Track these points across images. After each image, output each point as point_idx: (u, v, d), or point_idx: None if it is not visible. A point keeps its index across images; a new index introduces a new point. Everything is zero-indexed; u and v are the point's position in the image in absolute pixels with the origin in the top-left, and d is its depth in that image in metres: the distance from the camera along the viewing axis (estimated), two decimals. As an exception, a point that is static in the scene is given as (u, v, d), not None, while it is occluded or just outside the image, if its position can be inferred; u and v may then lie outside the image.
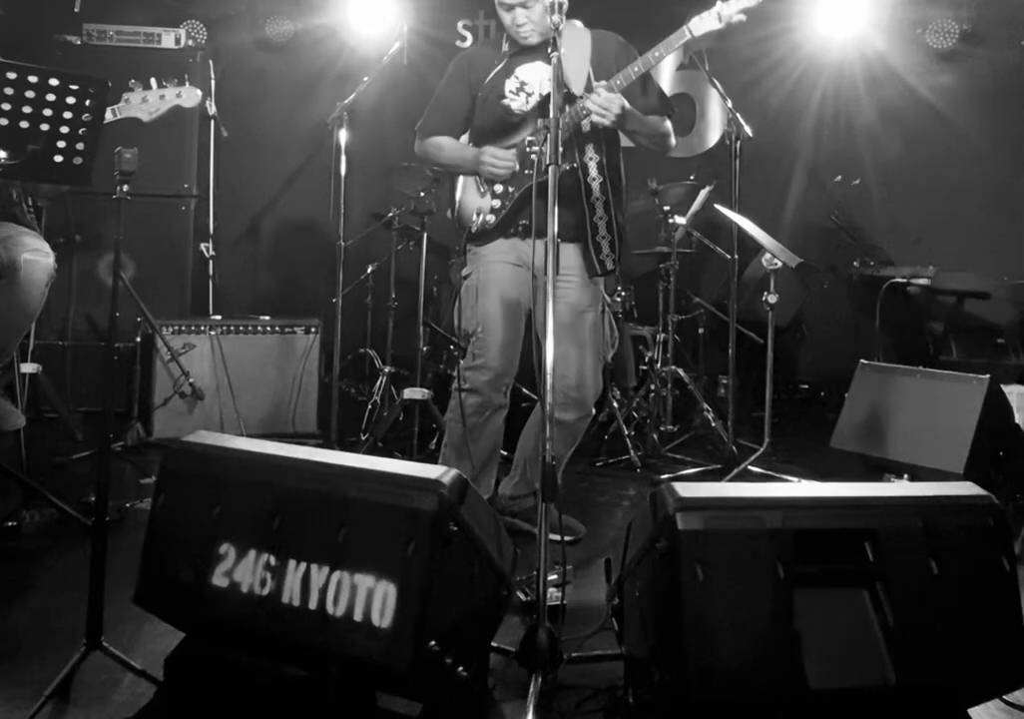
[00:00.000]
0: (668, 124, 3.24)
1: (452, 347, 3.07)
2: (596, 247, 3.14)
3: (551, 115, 2.35)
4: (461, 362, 3.17)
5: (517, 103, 3.15)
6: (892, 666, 1.77)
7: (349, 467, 1.97)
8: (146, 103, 3.02)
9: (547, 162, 2.30)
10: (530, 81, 3.14)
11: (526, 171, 3.03)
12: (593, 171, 3.12)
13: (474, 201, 3.19)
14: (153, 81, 3.04)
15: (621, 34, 3.25)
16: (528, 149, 3.05)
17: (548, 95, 3.02)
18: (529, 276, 3.17)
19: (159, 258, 5.20)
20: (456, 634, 1.87)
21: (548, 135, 2.33)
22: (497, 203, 3.14)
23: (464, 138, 3.31)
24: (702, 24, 2.89)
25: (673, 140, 3.26)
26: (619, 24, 3.32)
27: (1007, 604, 1.85)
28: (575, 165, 3.04)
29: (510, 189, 3.11)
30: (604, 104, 2.88)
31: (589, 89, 3.06)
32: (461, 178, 3.25)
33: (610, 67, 3.13)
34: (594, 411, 3.27)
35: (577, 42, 3.13)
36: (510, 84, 3.16)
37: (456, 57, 3.35)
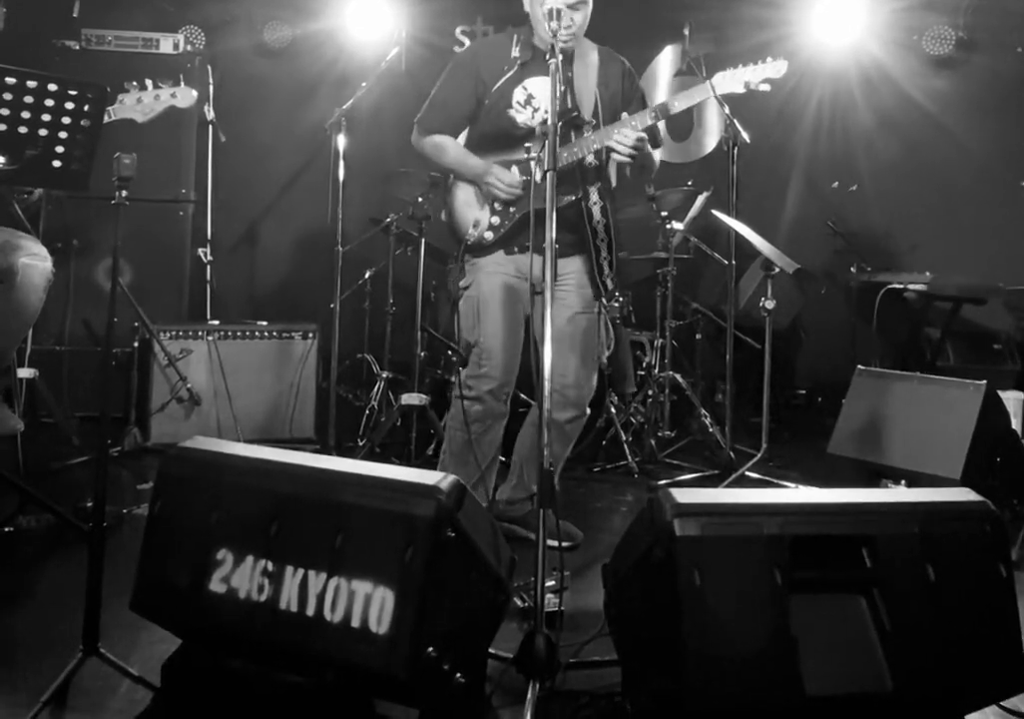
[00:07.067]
0: (659, 152, 3.31)
1: (450, 352, 3.07)
2: (599, 269, 3.17)
3: (548, 120, 2.37)
4: (463, 371, 3.17)
5: (523, 116, 3.11)
6: (889, 672, 1.77)
7: (347, 473, 1.97)
8: (141, 104, 3.00)
9: (545, 168, 2.30)
10: (538, 95, 3.09)
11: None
12: (594, 196, 3.14)
13: (471, 211, 3.17)
14: (148, 82, 3.02)
15: (621, 41, 3.25)
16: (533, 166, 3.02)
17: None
18: (528, 286, 3.18)
19: (157, 263, 5.18)
20: (454, 640, 1.86)
21: (545, 143, 2.34)
22: (496, 220, 3.13)
23: (462, 136, 3.25)
24: (725, 84, 2.94)
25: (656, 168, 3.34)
26: (620, 31, 3.32)
27: (1004, 610, 1.85)
28: (579, 196, 3.07)
29: (511, 209, 3.11)
30: (627, 142, 2.91)
31: (596, 115, 3.08)
32: (459, 182, 3.22)
33: (615, 92, 3.16)
34: (588, 411, 3.29)
35: (586, 60, 3.13)
36: (518, 94, 3.11)
37: (464, 51, 3.29)
